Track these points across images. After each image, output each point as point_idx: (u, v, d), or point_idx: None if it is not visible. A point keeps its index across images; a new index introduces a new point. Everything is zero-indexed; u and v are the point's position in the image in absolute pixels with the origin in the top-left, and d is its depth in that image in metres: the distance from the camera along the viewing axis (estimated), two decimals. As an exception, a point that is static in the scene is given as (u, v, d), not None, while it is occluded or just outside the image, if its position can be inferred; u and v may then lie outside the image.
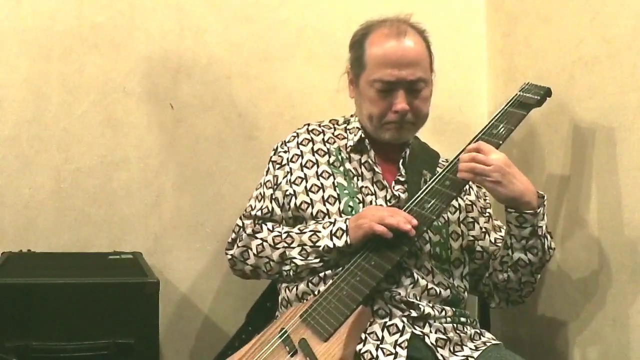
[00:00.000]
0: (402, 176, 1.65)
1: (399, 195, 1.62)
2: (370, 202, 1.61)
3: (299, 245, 1.58)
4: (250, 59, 2.05)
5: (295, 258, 1.58)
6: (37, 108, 1.92)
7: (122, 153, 1.97)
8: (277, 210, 1.67)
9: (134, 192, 1.98)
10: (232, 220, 1.75)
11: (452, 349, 1.51)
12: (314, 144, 1.70)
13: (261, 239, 1.64)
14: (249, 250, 1.66)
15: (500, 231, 1.70)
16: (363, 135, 1.68)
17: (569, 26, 1.82)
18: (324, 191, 1.62)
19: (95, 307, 1.52)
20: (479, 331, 1.60)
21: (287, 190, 1.65)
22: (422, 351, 1.48)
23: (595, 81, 1.72)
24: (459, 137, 2.10)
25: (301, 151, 1.69)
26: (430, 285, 1.55)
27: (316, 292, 1.55)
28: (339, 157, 1.67)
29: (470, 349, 1.52)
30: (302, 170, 1.66)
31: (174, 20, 2.00)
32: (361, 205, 1.60)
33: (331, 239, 1.54)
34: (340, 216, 1.58)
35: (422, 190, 1.55)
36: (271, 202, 1.68)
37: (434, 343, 1.49)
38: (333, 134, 1.72)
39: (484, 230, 1.68)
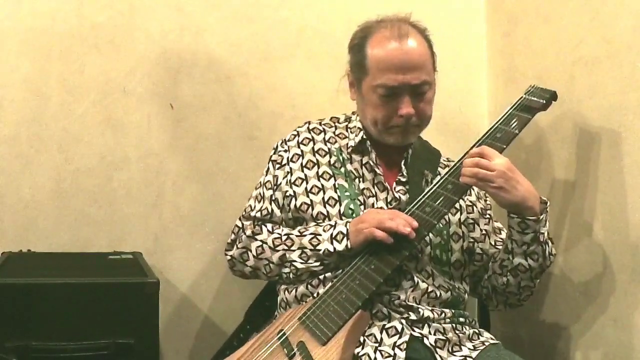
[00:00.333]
0: (404, 177, 1.64)
1: (399, 197, 1.61)
2: (372, 205, 1.60)
3: (299, 248, 1.57)
4: (250, 58, 2.05)
5: (295, 261, 1.57)
6: (37, 108, 1.91)
7: (122, 153, 1.97)
8: (277, 212, 1.66)
9: (134, 192, 1.98)
10: (232, 220, 1.75)
11: (450, 349, 1.50)
12: (314, 144, 1.69)
13: (261, 240, 1.64)
14: (249, 252, 1.65)
15: (501, 233, 1.70)
16: (365, 137, 1.66)
17: (569, 26, 1.81)
18: (324, 193, 1.62)
19: (95, 307, 1.52)
20: (477, 331, 1.59)
21: (287, 191, 1.64)
22: (421, 352, 1.48)
23: (595, 81, 1.72)
24: (459, 137, 2.11)
25: (302, 151, 1.68)
26: (430, 288, 1.54)
27: (315, 295, 1.54)
28: (340, 158, 1.66)
29: (469, 349, 1.52)
30: (303, 171, 1.65)
31: (174, 20, 2.00)
32: (362, 207, 1.59)
33: (332, 243, 1.53)
34: (341, 219, 1.57)
35: (424, 193, 1.54)
36: (271, 203, 1.67)
37: (433, 344, 1.49)
38: (334, 133, 1.71)
39: (484, 232, 1.67)
